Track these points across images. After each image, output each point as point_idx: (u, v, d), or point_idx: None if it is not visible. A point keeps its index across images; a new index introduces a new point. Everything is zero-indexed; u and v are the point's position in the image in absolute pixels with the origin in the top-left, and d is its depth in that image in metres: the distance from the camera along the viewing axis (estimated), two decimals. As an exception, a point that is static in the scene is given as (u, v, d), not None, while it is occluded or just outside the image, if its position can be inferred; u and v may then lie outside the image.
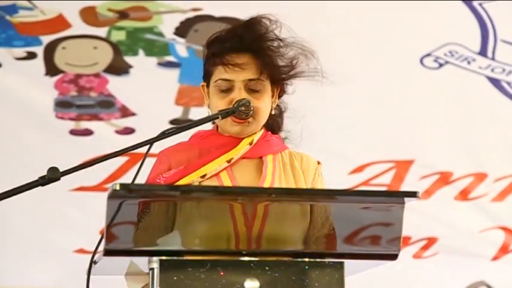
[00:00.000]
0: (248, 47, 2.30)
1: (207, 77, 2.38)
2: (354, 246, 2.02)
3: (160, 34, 4.30)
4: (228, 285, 1.93)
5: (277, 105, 2.41)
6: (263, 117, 2.34)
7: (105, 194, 1.87)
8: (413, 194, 1.99)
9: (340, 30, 4.26)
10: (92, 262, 2.00)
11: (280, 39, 2.33)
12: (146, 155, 2.11)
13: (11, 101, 4.13)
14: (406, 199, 1.99)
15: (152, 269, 1.93)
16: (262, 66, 2.30)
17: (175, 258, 1.93)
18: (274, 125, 2.42)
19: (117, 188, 1.84)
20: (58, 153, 4.00)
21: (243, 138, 2.33)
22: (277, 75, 2.34)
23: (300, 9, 4.11)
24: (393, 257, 2.04)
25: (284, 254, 2.00)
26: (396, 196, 2.04)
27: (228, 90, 2.31)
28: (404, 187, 4.15)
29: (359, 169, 4.20)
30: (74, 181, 3.99)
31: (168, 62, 4.29)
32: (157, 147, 2.23)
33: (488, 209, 4.23)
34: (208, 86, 2.38)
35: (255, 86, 2.32)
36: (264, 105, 2.33)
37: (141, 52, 4.29)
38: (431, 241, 4.18)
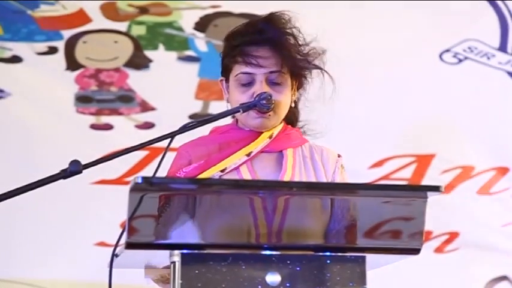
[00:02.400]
0: (268, 40, 2.30)
1: (226, 71, 2.37)
2: (376, 241, 2.01)
3: (180, 29, 4.31)
4: (250, 279, 1.93)
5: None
6: (283, 111, 2.34)
7: (126, 187, 1.87)
8: (436, 189, 1.97)
9: (359, 26, 4.25)
10: (114, 255, 2.01)
11: (296, 35, 2.32)
12: (167, 148, 2.11)
13: (32, 96, 4.14)
14: (428, 193, 1.98)
15: (174, 263, 1.93)
16: (282, 59, 2.30)
17: (196, 251, 1.93)
18: (292, 117, 2.42)
19: (139, 181, 1.84)
20: (79, 148, 4.02)
21: (262, 132, 2.33)
22: (297, 67, 2.33)
23: (317, 5, 4.10)
24: (415, 251, 2.02)
25: (305, 248, 2.00)
26: (419, 190, 2.03)
27: (249, 84, 2.31)
28: (425, 181, 4.13)
29: (379, 163, 4.19)
30: (95, 174, 4.00)
31: (187, 56, 4.29)
32: (178, 140, 2.23)
33: (510, 203, 4.20)
34: (227, 80, 2.38)
35: (276, 79, 2.31)
36: (284, 98, 2.32)
37: (161, 46, 4.30)
38: (453, 236, 4.17)
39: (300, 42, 2.32)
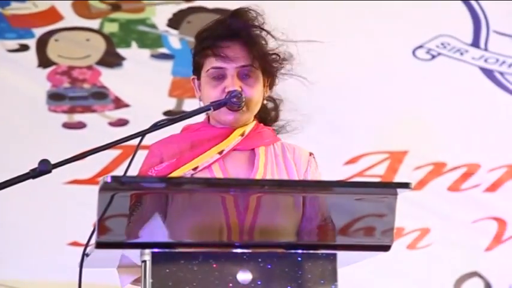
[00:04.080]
0: (238, 34, 2.30)
1: (197, 69, 2.37)
2: (347, 238, 2.02)
3: (153, 26, 4.29)
4: (221, 277, 1.93)
5: (272, 97, 2.41)
6: (256, 106, 2.34)
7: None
8: (406, 185, 1.98)
9: (332, 23, 4.26)
10: (84, 255, 2.00)
11: (266, 30, 2.33)
12: (138, 147, 2.11)
13: (3, 94, 4.12)
14: (398, 190, 1.99)
15: (144, 262, 1.93)
16: (253, 54, 2.30)
17: (167, 250, 1.93)
18: (267, 117, 2.42)
19: (109, 180, 1.83)
20: (51, 147, 4.00)
21: (234, 130, 2.33)
22: (269, 64, 2.34)
23: (287, 3, 4.11)
24: (386, 248, 2.03)
25: (277, 246, 2.00)
26: (389, 187, 2.04)
27: (220, 78, 2.31)
28: (398, 178, 4.14)
29: (353, 160, 4.20)
30: (68, 174, 3.98)
31: (161, 54, 4.28)
32: (149, 139, 2.23)
33: (481, 199, 4.23)
34: (198, 78, 2.37)
35: (247, 73, 2.31)
36: (256, 94, 2.32)
37: (134, 44, 4.28)
38: (424, 232, 4.19)
39: (267, 39, 2.33)
